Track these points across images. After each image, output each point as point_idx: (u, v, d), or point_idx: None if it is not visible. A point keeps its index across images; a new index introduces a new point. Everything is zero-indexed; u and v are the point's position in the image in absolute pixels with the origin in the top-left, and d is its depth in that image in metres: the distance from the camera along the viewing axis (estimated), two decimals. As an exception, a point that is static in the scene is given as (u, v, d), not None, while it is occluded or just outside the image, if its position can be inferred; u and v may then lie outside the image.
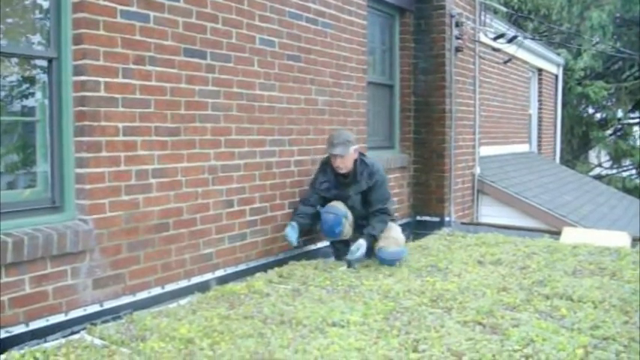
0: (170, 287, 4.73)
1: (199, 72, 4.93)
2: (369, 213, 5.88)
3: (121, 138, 4.32)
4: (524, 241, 6.97)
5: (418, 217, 8.35)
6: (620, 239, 6.93)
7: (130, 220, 4.40)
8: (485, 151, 10.34)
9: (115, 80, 4.27)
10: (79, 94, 4.11)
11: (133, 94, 4.40)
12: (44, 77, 4.15)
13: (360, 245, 5.66)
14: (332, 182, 5.86)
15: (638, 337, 3.80)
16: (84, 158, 4.12)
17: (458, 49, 8.38)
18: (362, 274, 5.49)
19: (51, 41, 4.09)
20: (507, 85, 12.27)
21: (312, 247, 6.22)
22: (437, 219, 8.24)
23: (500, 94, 11.84)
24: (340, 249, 5.98)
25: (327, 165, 5.90)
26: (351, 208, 5.88)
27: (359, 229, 5.91)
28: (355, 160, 5.82)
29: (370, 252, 5.81)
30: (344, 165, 5.76)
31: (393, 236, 5.88)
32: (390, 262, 5.74)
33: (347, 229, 5.84)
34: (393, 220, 6.19)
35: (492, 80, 11.24)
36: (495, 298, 4.67)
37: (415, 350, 3.61)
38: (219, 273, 5.16)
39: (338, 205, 5.82)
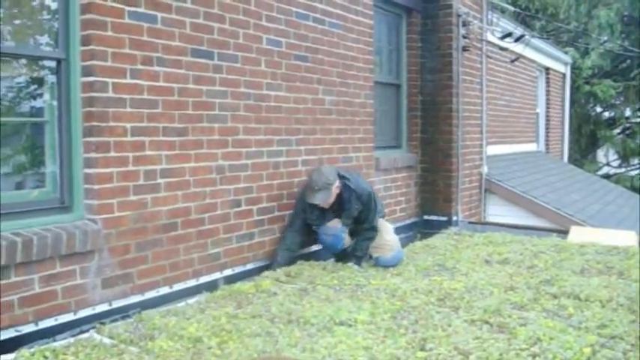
0: (178, 286, 4.75)
1: (207, 72, 4.95)
2: (359, 229, 5.88)
3: (129, 138, 4.34)
4: (532, 240, 6.97)
5: (425, 217, 8.34)
6: (628, 238, 6.91)
7: (139, 219, 4.42)
8: (492, 150, 10.33)
9: (123, 81, 4.29)
10: (88, 94, 4.13)
11: (141, 95, 4.42)
12: (52, 78, 4.17)
13: (351, 266, 5.74)
14: (321, 212, 5.73)
15: (645, 336, 3.80)
16: (92, 158, 4.15)
17: (465, 49, 8.37)
18: (369, 273, 5.50)
19: (59, 42, 4.11)
20: (515, 84, 12.26)
21: (320, 246, 6.22)
22: (444, 218, 8.23)
23: (508, 93, 11.83)
24: (338, 255, 5.98)
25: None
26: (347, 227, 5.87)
27: (353, 235, 5.93)
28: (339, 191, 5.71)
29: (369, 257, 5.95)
30: (327, 204, 5.67)
31: (387, 241, 5.89)
32: (391, 266, 5.77)
33: (346, 241, 5.85)
34: (382, 217, 6.21)
35: (499, 79, 11.24)
36: (502, 297, 4.68)
37: (422, 349, 3.63)
38: (227, 272, 5.18)
39: (334, 225, 5.78)
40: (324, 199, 5.59)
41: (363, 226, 5.85)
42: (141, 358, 3.50)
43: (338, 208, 5.77)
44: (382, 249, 5.85)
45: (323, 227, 5.78)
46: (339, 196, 5.71)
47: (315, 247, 6.15)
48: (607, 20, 17.81)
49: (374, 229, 5.88)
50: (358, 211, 5.77)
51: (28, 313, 3.80)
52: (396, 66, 8.20)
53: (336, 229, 5.77)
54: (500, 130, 11.53)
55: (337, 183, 5.65)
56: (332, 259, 6.00)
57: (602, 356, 3.49)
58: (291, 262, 5.66)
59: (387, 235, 5.97)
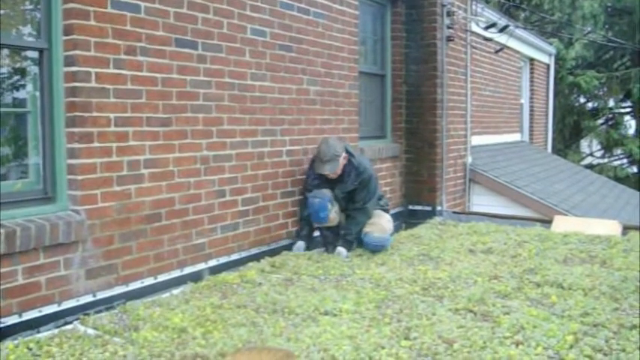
0: (163, 277, 4.74)
1: (190, 62, 4.92)
2: (350, 209, 5.96)
3: (112, 129, 4.31)
4: (516, 229, 7.01)
5: (410, 207, 8.37)
6: (611, 228, 6.96)
7: (122, 210, 4.41)
8: (476, 140, 10.36)
9: (106, 71, 4.26)
10: (70, 84, 4.11)
11: (125, 85, 4.39)
12: (35, 68, 4.14)
13: (340, 253, 5.81)
14: (322, 179, 5.89)
15: (627, 324, 3.83)
16: (75, 149, 4.12)
17: (449, 39, 8.38)
18: (354, 263, 5.52)
19: (41, 32, 4.08)
20: (499, 75, 12.29)
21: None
22: (429, 208, 8.26)
23: (492, 84, 11.86)
24: (328, 236, 6.03)
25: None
26: (338, 202, 5.92)
27: (346, 218, 6.01)
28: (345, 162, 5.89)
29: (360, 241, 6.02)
30: (335, 175, 5.84)
31: (381, 223, 6.02)
32: (374, 247, 5.88)
33: (332, 216, 5.86)
34: (386, 211, 6.31)
35: (484, 70, 11.26)
36: (486, 286, 4.71)
37: (407, 338, 3.64)
38: (212, 263, 5.17)
39: (324, 191, 5.84)
40: (333, 169, 5.76)
41: (354, 205, 5.92)
42: (125, 348, 3.50)
43: (337, 179, 5.87)
44: (374, 226, 5.97)
45: (314, 191, 5.86)
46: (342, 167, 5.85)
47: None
48: (591, 11, 17.88)
49: (365, 211, 5.96)
50: (353, 187, 5.87)
51: (11, 305, 3.78)
52: (380, 56, 8.20)
53: (324, 194, 5.81)
54: (485, 120, 11.57)
55: (344, 154, 5.83)
56: (317, 249, 6.01)
57: (584, 344, 3.53)
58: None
59: (385, 221, 6.12)
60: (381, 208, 6.25)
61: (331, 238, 5.99)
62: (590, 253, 5.79)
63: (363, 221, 5.95)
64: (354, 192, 5.91)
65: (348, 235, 5.91)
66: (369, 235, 5.91)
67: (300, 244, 5.91)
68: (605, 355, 3.43)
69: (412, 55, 8.26)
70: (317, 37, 6.38)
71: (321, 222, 5.90)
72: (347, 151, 5.90)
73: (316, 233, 6.19)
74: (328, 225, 5.92)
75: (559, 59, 17.76)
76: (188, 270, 4.94)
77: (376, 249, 5.88)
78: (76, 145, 4.12)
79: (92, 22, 4.16)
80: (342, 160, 5.81)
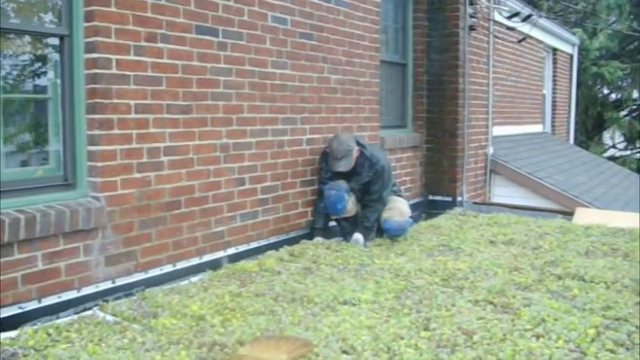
0: (182, 265, 4.74)
1: (211, 49, 4.91)
2: (366, 200, 5.97)
3: (132, 115, 4.31)
4: (537, 221, 6.95)
5: (430, 197, 8.33)
6: (634, 220, 6.88)
7: (142, 197, 4.41)
8: (498, 130, 10.27)
9: (127, 57, 4.26)
10: (91, 71, 4.10)
11: (145, 72, 4.39)
12: (56, 55, 4.14)
13: (357, 240, 5.81)
14: (334, 173, 5.88)
15: (650, 318, 3.78)
16: (96, 136, 4.13)
17: (472, 28, 8.30)
18: (373, 253, 5.49)
19: (62, 18, 4.08)
20: (521, 65, 12.17)
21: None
22: (449, 199, 8.21)
23: (514, 74, 11.75)
24: (346, 227, 6.02)
25: (328, 156, 5.92)
26: (354, 194, 5.93)
27: (362, 208, 6.01)
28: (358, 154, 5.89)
29: (378, 229, 6.04)
30: (349, 169, 5.84)
31: (398, 207, 6.05)
32: (395, 231, 5.90)
33: (349, 207, 5.88)
34: (399, 197, 6.32)
35: (506, 59, 11.15)
36: (507, 277, 4.67)
37: (426, 329, 3.62)
38: (231, 251, 5.18)
39: (340, 182, 5.84)
40: (347, 165, 5.79)
41: (370, 197, 5.93)
42: (144, 335, 3.50)
43: (351, 172, 5.87)
44: (392, 211, 5.99)
45: (330, 183, 5.86)
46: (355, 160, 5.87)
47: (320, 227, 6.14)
48: (616, 1, 17.63)
49: (381, 200, 5.96)
50: (368, 178, 5.88)
51: (31, 290, 3.80)
52: (402, 45, 8.14)
53: (340, 186, 5.81)
54: (507, 110, 11.47)
55: (356, 147, 5.84)
56: (336, 239, 6.00)
57: (606, 338, 3.48)
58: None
59: (402, 204, 6.15)
60: (394, 194, 6.24)
61: (349, 229, 5.98)
62: (612, 246, 5.72)
63: (379, 209, 5.98)
64: (369, 184, 5.92)
65: (365, 222, 5.91)
66: (389, 220, 5.92)
67: (319, 239, 5.86)
68: (628, 349, 3.38)
69: (434, 44, 8.19)
70: (338, 25, 6.34)
71: (339, 213, 5.89)
72: (358, 144, 5.90)
73: (332, 224, 6.16)
74: (345, 216, 5.91)
75: (583, 50, 17.56)
76: (207, 258, 4.95)
77: (397, 232, 5.92)
78: (96, 132, 4.13)
79: (113, 9, 4.15)
80: (355, 154, 5.82)
